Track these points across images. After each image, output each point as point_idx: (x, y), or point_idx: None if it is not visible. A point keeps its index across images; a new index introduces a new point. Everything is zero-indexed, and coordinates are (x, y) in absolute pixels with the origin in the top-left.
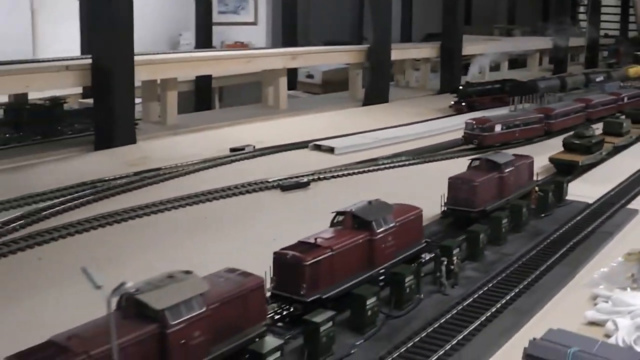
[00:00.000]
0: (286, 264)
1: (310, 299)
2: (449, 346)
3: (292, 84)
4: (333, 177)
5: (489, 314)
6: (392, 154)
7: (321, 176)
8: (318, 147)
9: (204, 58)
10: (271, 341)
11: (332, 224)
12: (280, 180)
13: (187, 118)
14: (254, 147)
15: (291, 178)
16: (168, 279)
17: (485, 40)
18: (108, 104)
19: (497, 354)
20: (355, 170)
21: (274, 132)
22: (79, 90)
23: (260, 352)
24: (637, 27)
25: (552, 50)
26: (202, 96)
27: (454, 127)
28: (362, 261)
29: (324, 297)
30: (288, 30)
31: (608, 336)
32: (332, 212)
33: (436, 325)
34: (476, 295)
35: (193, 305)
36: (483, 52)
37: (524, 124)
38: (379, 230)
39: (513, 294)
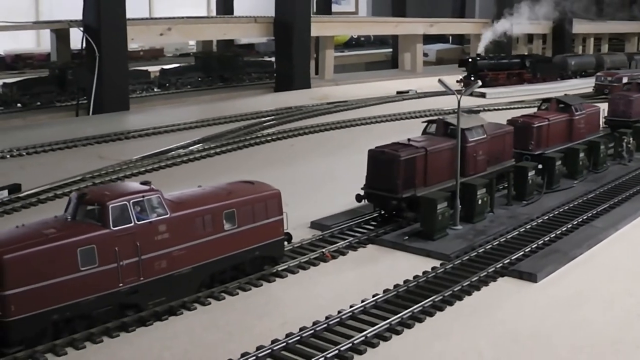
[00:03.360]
0: (518, 126)
1: (537, 152)
2: (635, 190)
3: None
4: (495, 109)
5: None
6: (532, 99)
7: (484, 109)
8: (470, 93)
9: (363, 20)
10: (529, 164)
11: (539, 109)
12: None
13: (336, 75)
14: (416, 91)
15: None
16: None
17: (591, 21)
18: (288, 53)
19: None
20: (509, 107)
21: (421, 85)
22: None
23: (525, 167)
24: None
25: None
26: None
27: (575, 86)
28: (564, 134)
29: (545, 152)
30: (397, 9)
31: None
32: (539, 100)
33: (624, 179)
34: None
35: (479, 132)
36: (590, 31)
37: None
38: (576, 113)
39: None
